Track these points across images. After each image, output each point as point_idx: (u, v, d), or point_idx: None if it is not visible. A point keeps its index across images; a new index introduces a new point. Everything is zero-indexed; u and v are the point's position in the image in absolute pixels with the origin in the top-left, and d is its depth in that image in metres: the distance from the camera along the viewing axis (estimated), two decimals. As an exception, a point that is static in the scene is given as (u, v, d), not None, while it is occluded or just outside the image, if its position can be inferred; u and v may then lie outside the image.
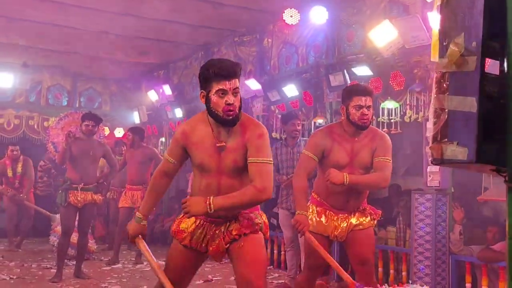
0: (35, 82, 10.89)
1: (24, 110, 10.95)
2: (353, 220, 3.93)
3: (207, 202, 2.84)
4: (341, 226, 3.93)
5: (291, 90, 7.22)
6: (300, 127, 6.51)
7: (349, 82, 6.34)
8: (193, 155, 3.05)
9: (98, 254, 8.56)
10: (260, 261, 3.01)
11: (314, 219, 3.96)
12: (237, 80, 2.91)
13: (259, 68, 8.20)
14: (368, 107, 3.79)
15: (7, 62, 10.12)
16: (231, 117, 2.90)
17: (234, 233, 3.02)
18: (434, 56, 1.54)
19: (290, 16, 6.95)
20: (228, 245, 3.04)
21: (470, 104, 1.41)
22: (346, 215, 3.94)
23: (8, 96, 10.77)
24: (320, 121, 7.04)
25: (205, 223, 3.08)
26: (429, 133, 1.52)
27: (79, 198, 6.45)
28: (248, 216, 3.06)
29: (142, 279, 6.62)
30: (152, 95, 10.25)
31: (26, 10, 7.52)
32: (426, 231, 5.45)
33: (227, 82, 2.86)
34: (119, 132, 11.62)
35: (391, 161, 3.89)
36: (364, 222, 3.95)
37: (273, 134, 7.59)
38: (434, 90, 1.54)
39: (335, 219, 3.94)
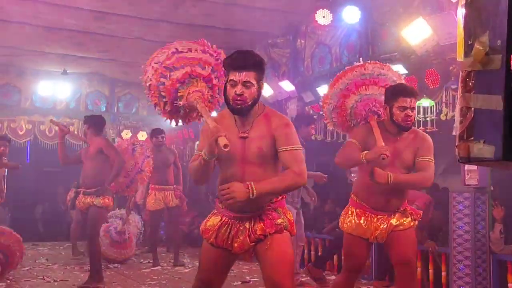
0: (75, 89, 11.15)
1: (64, 117, 11.22)
2: (393, 221, 3.88)
3: (249, 187, 2.86)
4: (381, 227, 3.88)
5: (325, 91, 7.20)
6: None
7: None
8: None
9: (138, 257, 8.72)
10: (286, 261, 3.03)
11: (353, 221, 3.93)
12: (250, 73, 2.98)
13: (293, 69, 8.22)
14: (412, 109, 3.76)
15: (47, 71, 10.42)
16: (238, 106, 2.98)
17: (258, 233, 3.04)
18: (460, 55, 1.54)
19: (323, 17, 6.95)
20: (253, 244, 3.06)
21: (496, 102, 1.41)
22: (385, 216, 3.89)
23: (49, 104, 11.06)
24: None
25: (229, 220, 3.11)
26: (456, 132, 1.52)
27: (81, 203, 6.31)
28: (271, 215, 3.09)
29: (181, 281, 6.72)
30: (188, 99, 10.37)
31: (64, 19, 7.73)
32: (465, 230, 5.38)
33: (237, 73, 2.97)
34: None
35: (433, 161, 3.84)
36: (404, 222, 3.89)
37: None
38: (459, 89, 1.54)
39: (374, 220, 3.90)
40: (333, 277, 6.93)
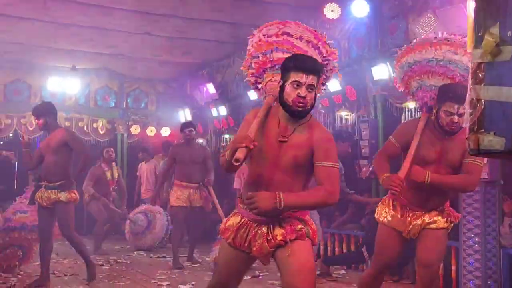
0: (84, 85, 11.19)
1: (74, 112, 11.29)
2: (426, 218, 3.75)
3: (277, 198, 2.77)
4: (415, 223, 3.76)
5: (334, 85, 7.20)
6: None
7: (392, 75, 6.30)
8: (256, 140, 2.96)
9: (148, 252, 8.76)
10: (307, 269, 2.92)
11: (389, 212, 3.83)
12: (315, 78, 2.91)
13: (301, 63, 8.20)
14: (460, 115, 3.56)
15: (57, 66, 10.47)
16: (300, 109, 2.90)
17: (279, 238, 2.94)
18: (470, 47, 1.53)
19: (331, 11, 6.93)
20: (272, 249, 2.98)
21: (506, 94, 1.40)
22: (422, 213, 3.77)
23: (58, 99, 11.10)
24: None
25: (248, 222, 3.04)
26: (466, 124, 1.51)
27: (43, 197, 5.85)
28: (291, 221, 3.00)
29: (191, 275, 6.75)
30: (197, 94, 10.40)
31: (73, 16, 7.76)
32: (475, 224, 5.35)
33: (304, 75, 2.88)
34: (165, 131, 11.84)
35: (482, 164, 3.70)
36: (438, 221, 3.76)
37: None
38: (470, 81, 1.53)
39: (410, 215, 3.78)
40: (342, 271, 6.94)
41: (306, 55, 3.03)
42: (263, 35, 3.31)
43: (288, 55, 3.15)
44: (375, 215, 3.99)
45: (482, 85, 1.46)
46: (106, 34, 8.59)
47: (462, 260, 5.43)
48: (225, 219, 3.22)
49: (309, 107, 2.93)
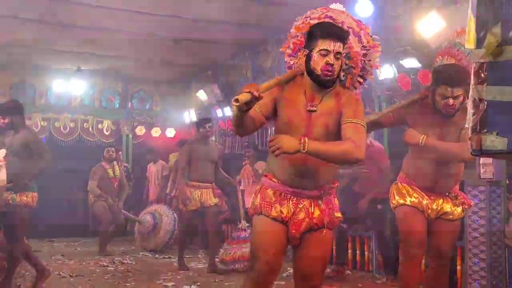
0: (89, 86, 11.22)
1: (79, 113, 11.32)
2: (447, 207, 3.74)
3: (301, 141, 2.67)
4: (432, 207, 3.73)
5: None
6: None
7: (397, 74, 6.29)
8: (282, 112, 2.95)
9: (153, 252, 8.78)
10: (324, 260, 3.00)
11: (406, 194, 3.78)
12: (342, 45, 2.86)
13: (306, 64, 8.19)
14: (455, 97, 3.54)
15: (62, 68, 10.50)
16: (328, 77, 2.84)
17: (315, 221, 2.92)
18: (469, 44, 1.52)
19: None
20: (308, 228, 2.94)
21: (509, 93, 1.40)
22: (436, 197, 3.75)
23: (64, 101, 11.15)
24: None
25: (287, 194, 2.95)
26: (468, 124, 1.50)
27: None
28: (331, 203, 2.99)
29: (196, 276, 6.75)
30: (201, 95, 10.40)
31: (77, 17, 7.78)
32: (480, 224, 5.33)
33: (331, 43, 2.83)
34: (170, 132, 11.86)
35: None
36: (455, 212, 3.75)
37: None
38: (472, 81, 1.53)
39: (425, 197, 3.75)
40: (348, 272, 6.92)
41: (332, 23, 2.96)
42: (307, 17, 3.24)
43: None
44: (391, 201, 3.91)
45: (484, 85, 1.46)
46: (111, 35, 8.60)
47: (468, 260, 5.41)
48: (251, 198, 3.10)
49: (336, 76, 2.88)
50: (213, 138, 10.85)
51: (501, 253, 5.31)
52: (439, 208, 3.74)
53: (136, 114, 11.92)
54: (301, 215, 2.93)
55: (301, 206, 2.94)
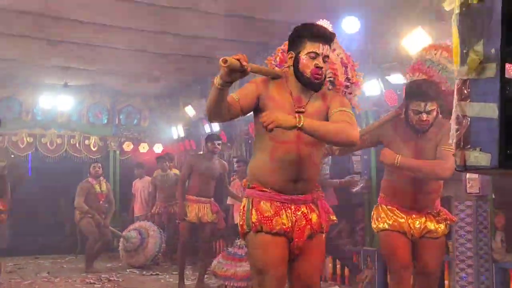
0: (76, 102, 11.17)
1: (66, 129, 11.25)
2: (430, 225, 3.70)
3: (297, 116, 2.63)
4: (415, 226, 3.69)
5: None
6: None
7: (383, 90, 6.34)
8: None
9: (141, 269, 8.70)
10: (322, 264, 3.04)
11: (387, 217, 3.75)
12: (329, 48, 2.86)
13: (294, 79, 8.23)
14: (428, 112, 3.53)
15: (49, 83, 10.46)
16: (318, 80, 2.82)
17: (315, 227, 2.88)
18: (456, 63, 1.55)
19: (322, 27, 6.96)
20: (309, 235, 2.88)
21: (491, 110, 1.42)
22: (417, 215, 3.71)
23: (51, 116, 11.08)
24: None
25: (284, 203, 2.86)
26: (452, 140, 1.52)
27: None
28: (326, 206, 2.97)
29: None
30: (189, 111, 10.40)
31: (65, 32, 7.77)
32: (467, 239, 5.36)
33: (321, 46, 2.82)
34: (158, 148, 11.82)
35: None
36: (439, 229, 3.72)
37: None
38: (455, 97, 1.55)
39: (406, 217, 3.71)
40: (336, 287, 6.90)
41: (317, 24, 2.95)
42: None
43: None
44: (372, 225, 3.90)
45: (467, 101, 1.49)
46: (99, 51, 8.60)
47: (455, 275, 5.43)
48: (240, 213, 2.94)
49: (324, 79, 2.86)
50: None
51: (488, 267, 5.33)
52: (422, 227, 3.71)
53: (124, 130, 11.87)
54: (303, 222, 2.85)
55: (299, 213, 2.86)
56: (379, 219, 3.80)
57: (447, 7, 1.62)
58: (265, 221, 2.82)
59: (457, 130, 1.51)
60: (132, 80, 10.59)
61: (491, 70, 1.44)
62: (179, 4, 6.79)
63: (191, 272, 8.29)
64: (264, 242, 2.82)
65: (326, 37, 2.85)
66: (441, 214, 3.76)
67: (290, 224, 2.83)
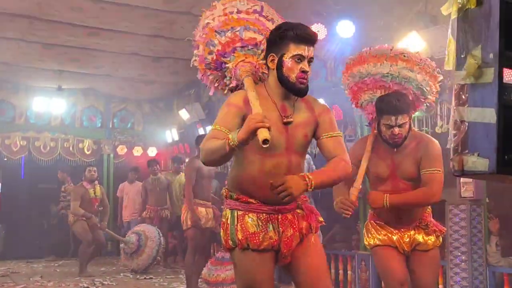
0: (70, 105, 11.13)
1: (60, 132, 11.21)
2: (419, 238, 3.61)
3: (307, 179, 2.50)
4: (404, 240, 3.61)
5: (322, 102, 7.20)
6: None
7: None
8: None
9: (135, 274, 8.66)
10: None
11: (377, 234, 3.67)
12: (313, 49, 2.67)
13: (288, 83, 8.24)
14: (400, 125, 3.45)
15: (42, 87, 10.42)
16: (303, 86, 2.64)
17: (304, 231, 2.73)
18: (449, 65, 1.54)
19: (317, 31, 6.96)
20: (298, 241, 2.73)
21: (489, 115, 1.42)
22: (406, 229, 3.62)
23: (44, 120, 11.04)
24: None
25: (270, 215, 2.69)
26: (450, 145, 1.51)
27: None
28: (310, 207, 2.84)
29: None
30: (184, 114, 10.38)
31: (60, 35, 7.75)
32: (461, 243, 5.36)
33: (306, 48, 2.63)
34: (152, 152, 11.79)
35: (440, 171, 3.50)
36: (429, 241, 3.62)
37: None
38: (453, 102, 1.55)
39: (395, 232, 3.64)
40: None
41: (300, 24, 2.66)
42: (231, 10, 2.95)
43: (260, 37, 2.88)
44: (365, 242, 3.85)
45: (465, 106, 1.48)
46: (93, 54, 8.58)
47: (449, 279, 5.43)
48: (231, 228, 2.71)
49: (308, 83, 2.68)
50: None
51: (482, 271, 5.34)
52: (411, 240, 3.63)
53: (118, 133, 11.84)
54: (290, 232, 2.70)
55: (286, 222, 2.70)
56: (369, 235, 3.74)
57: (444, 11, 1.61)
58: (251, 238, 2.65)
59: (455, 135, 1.50)
60: (126, 84, 10.56)
61: (489, 75, 1.43)
62: (174, 8, 6.78)
63: (184, 276, 8.26)
64: (252, 259, 2.67)
65: (312, 38, 2.65)
66: (429, 226, 3.66)
67: (277, 237, 2.69)
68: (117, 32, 7.62)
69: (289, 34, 2.63)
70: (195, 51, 3.08)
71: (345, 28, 6.73)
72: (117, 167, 11.74)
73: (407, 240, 3.62)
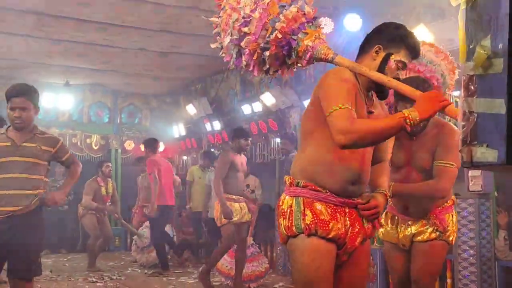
0: (77, 101, 11.17)
1: (67, 128, 11.25)
2: (413, 228, 3.53)
3: (387, 197, 2.63)
4: (404, 232, 3.56)
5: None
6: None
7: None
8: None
9: (143, 268, 8.69)
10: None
11: (385, 223, 3.64)
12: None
13: (295, 77, 8.21)
14: None
15: (50, 82, 10.45)
16: (388, 90, 2.65)
17: (368, 232, 2.66)
18: (462, 59, 1.53)
19: (324, 25, 6.93)
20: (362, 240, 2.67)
21: (499, 106, 1.41)
22: (411, 221, 3.54)
23: (52, 115, 11.08)
24: None
25: (339, 207, 2.58)
26: (458, 137, 1.50)
27: None
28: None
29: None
30: (190, 109, 10.39)
31: (67, 31, 7.76)
32: (470, 237, 5.35)
33: (411, 60, 2.67)
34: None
35: (454, 166, 3.38)
36: (425, 232, 3.51)
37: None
38: (462, 93, 1.54)
39: (400, 225, 3.58)
40: None
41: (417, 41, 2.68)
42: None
43: (311, 12, 2.72)
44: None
45: (474, 97, 1.47)
46: (100, 49, 8.60)
47: (458, 273, 5.42)
48: (296, 214, 2.57)
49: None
50: (202, 152, 10.85)
51: (491, 266, 5.32)
52: (411, 233, 3.56)
53: (125, 129, 11.89)
54: (357, 227, 2.60)
55: (353, 217, 2.60)
56: (383, 225, 3.66)
57: (453, 2, 1.59)
58: (321, 225, 2.52)
59: (463, 126, 1.49)
60: (134, 79, 10.58)
61: (499, 65, 1.43)
62: (181, 3, 6.77)
63: (192, 269, 8.29)
64: (317, 248, 2.53)
65: (417, 55, 2.68)
66: (431, 218, 3.54)
67: (343, 230, 2.57)
68: (125, 27, 7.63)
69: (407, 40, 2.61)
70: (244, 29, 2.74)
71: (353, 22, 6.72)
72: (124, 162, 11.78)
73: (408, 233, 3.55)
